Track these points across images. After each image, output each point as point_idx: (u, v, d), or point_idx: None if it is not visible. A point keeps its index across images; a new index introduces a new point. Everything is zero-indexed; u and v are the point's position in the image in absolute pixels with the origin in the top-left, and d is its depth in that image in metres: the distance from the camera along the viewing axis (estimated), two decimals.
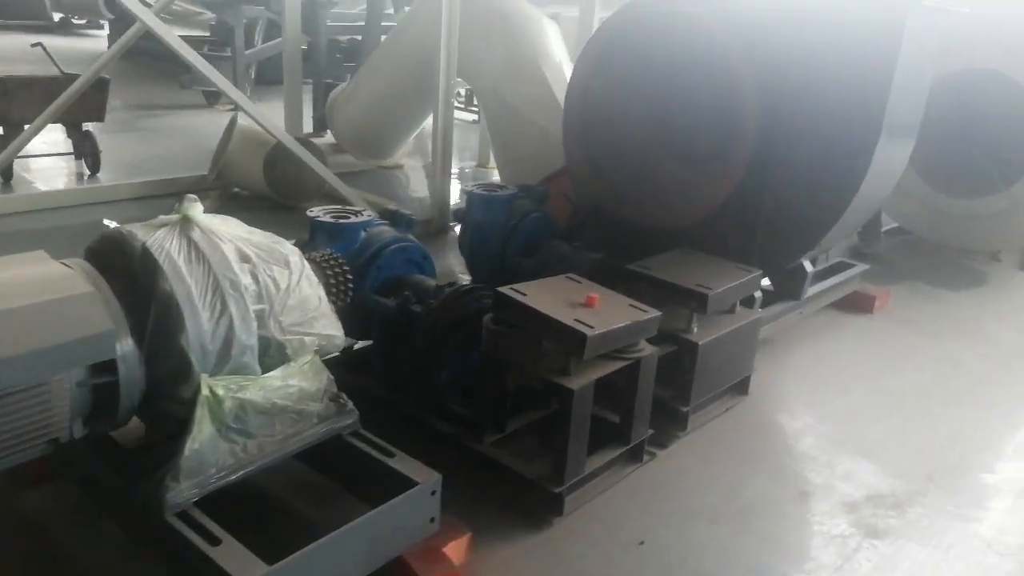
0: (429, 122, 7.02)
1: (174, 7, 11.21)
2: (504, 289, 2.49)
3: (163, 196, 5.44)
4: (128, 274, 1.88)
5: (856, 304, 4.36)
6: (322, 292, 2.27)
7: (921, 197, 5.43)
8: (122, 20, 12.64)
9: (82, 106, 5.38)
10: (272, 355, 2.09)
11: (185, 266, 1.88)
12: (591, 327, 2.30)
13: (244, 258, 2.03)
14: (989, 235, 5.35)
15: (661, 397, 2.92)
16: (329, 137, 7.01)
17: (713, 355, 2.93)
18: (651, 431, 2.75)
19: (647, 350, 2.55)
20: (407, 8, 9.16)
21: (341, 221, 2.87)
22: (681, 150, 3.50)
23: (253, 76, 9.56)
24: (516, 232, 3.52)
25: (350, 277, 2.50)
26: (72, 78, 5.23)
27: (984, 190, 5.27)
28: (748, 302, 3.23)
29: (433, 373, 2.69)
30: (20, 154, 5.42)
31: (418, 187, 6.54)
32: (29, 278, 1.70)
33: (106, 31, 14.45)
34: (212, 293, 1.89)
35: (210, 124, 7.87)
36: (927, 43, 3.14)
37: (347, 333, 2.60)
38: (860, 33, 2.98)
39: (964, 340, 4.11)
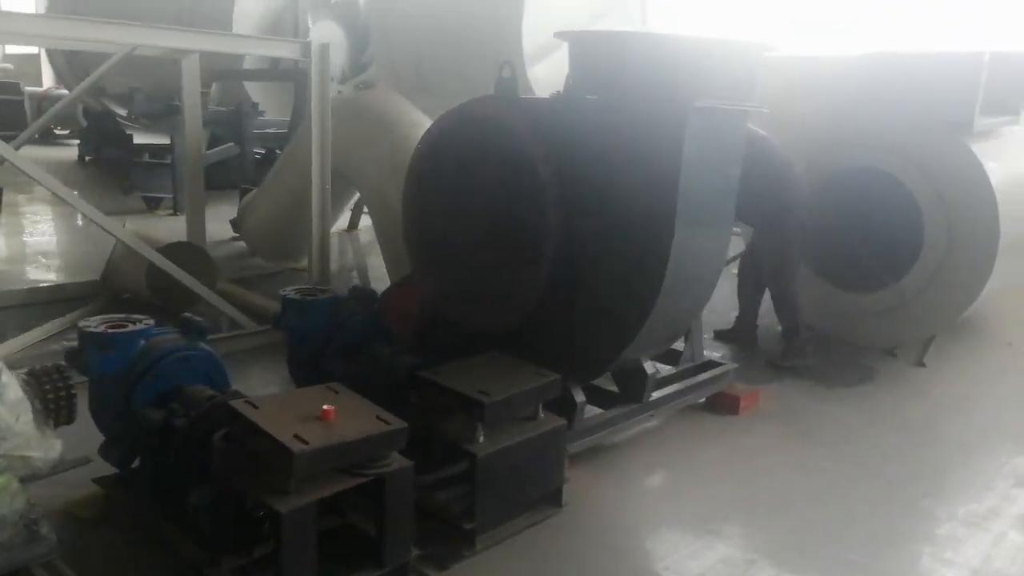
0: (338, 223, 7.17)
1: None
2: (237, 403, 2.39)
3: (51, 302, 5.42)
4: None
5: (722, 405, 4.22)
6: (27, 410, 2.17)
7: (818, 294, 5.36)
8: (93, 130, 13.13)
9: None
10: None
11: None
12: (306, 443, 2.18)
13: None
14: (882, 331, 5.25)
15: (450, 512, 2.78)
16: None
17: (501, 466, 2.79)
18: (419, 552, 2.58)
19: (396, 464, 2.42)
20: None
21: (111, 331, 2.80)
22: (496, 252, 3.46)
23: None
24: (335, 337, 3.44)
25: (73, 392, 2.41)
26: None
27: (875, 286, 5.21)
28: (568, 408, 3.13)
29: (188, 490, 2.56)
30: None
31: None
32: None
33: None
34: None
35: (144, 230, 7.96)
36: (722, 140, 3.14)
37: (121, 451, 2.50)
38: (646, 138, 2.99)
39: (824, 442, 3.94)
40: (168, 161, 9.17)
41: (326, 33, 10.23)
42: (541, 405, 3.01)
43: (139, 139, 12.30)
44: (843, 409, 4.37)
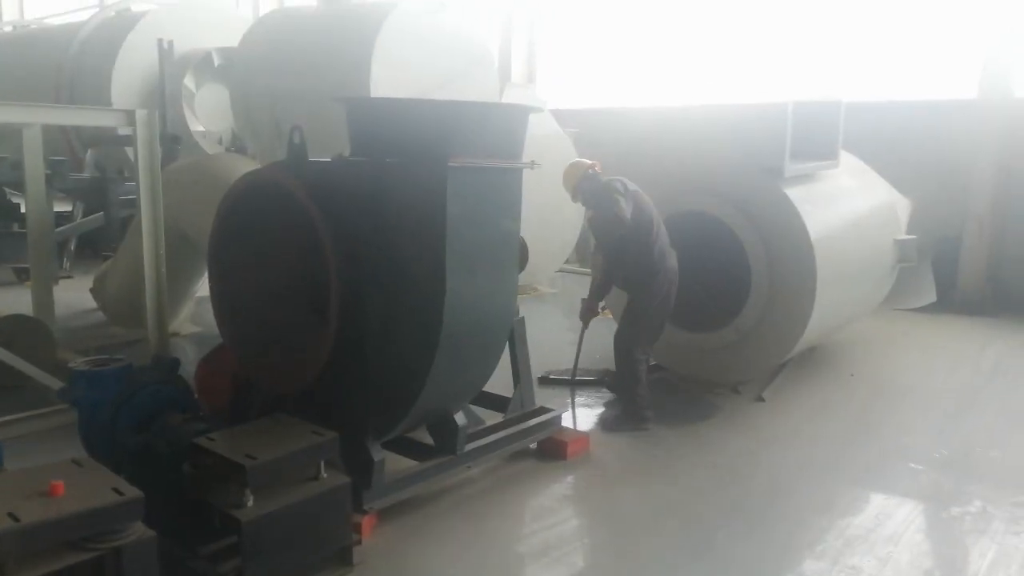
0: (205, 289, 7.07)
1: None
2: None
3: None
4: None
5: (550, 451, 4.28)
6: None
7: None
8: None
9: None
10: None
11: None
12: (17, 520, 2.13)
13: None
14: (723, 368, 5.43)
15: None
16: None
17: (272, 530, 2.76)
18: None
19: (135, 536, 2.37)
20: None
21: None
22: (288, 313, 3.49)
23: (73, 249, 9.54)
24: (126, 407, 3.37)
25: None
26: None
27: (714, 325, 5.40)
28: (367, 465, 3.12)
29: None
30: None
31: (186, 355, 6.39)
32: None
33: None
34: None
35: (8, 302, 7.69)
36: (492, 195, 3.28)
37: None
38: (414, 197, 3.10)
39: (640, 484, 4.03)
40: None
41: (215, 95, 10.24)
42: (324, 464, 3.01)
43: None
44: (671, 450, 4.48)
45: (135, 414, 3.40)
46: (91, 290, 6.87)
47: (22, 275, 8.97)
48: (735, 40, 10.20)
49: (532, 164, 3.36)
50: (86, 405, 3.41)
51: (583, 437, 4.40)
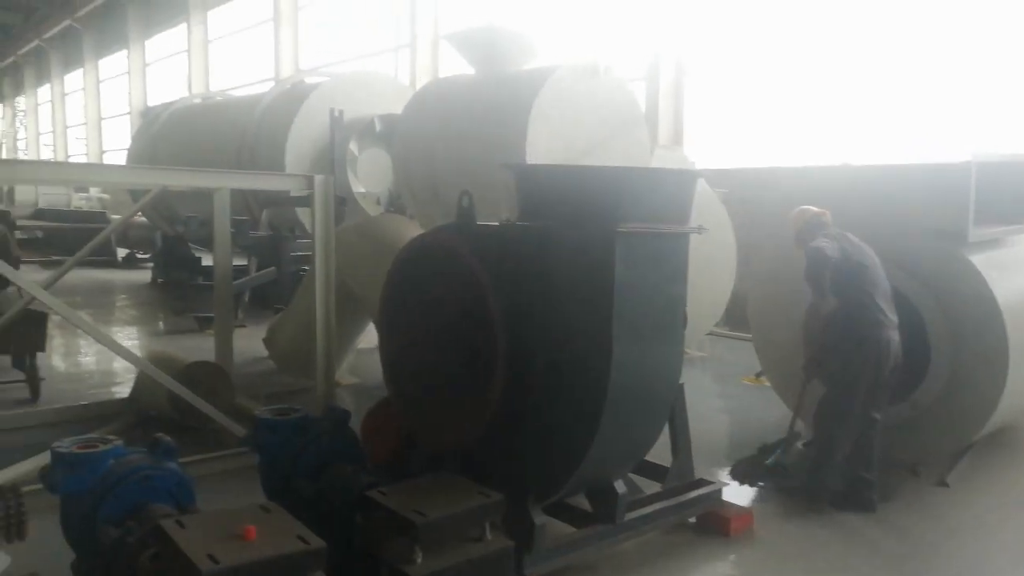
0: (364, 342, 7.40)
1: None
2: (166, 521, 2.50)
3: (85, 420, 5.75)
4: None
5: (711, 526, 4.08)
6: None
7: None
8: (164, 254, 14.11)
9: (22, 339, 5.91)
10: None
11: None
12: (216, 562, 2.26)
13: None
14: (900, 446, 5.00)
15: None
16: None
17: None
18: None
19: None
20: None
21: (79, 451, 2.99)
22: (453, 373, 3.56)
23: (247, 300, 10.32)
24: (302, 456, 3.55)
25: (24, 511, 2.57)
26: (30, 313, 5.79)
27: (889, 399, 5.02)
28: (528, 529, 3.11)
29: None
30: None
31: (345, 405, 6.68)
32: None
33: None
34: None
35: (191, 348, 8.40)
36: (659, 260, 3.24)
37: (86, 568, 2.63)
38: (582, 262, 3.12)
39: (810, 570, 3.75)
40: None
41: (375, 159, 10.93)
42: (489, 526, 3.02)
43: (208, 262, 13.21)
44: (845, 535, 4.15)
45: (310, 464, 3.58)
46: (264, 340, 7.37)
47: (203, 323, 9.79)
48: (895, 94, 9.74)
49: (699, 229, 3.31)
50: (268, 452, 3.62)
51: (746, 513, 4.18)
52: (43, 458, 4.79)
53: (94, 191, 26.14)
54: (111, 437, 3.17)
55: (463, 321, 3.50)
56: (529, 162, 6.20)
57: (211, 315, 9.67)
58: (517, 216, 3.47)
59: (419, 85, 13.16)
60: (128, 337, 9.25)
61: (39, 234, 18.00)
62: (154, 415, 5.89)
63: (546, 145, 6.29)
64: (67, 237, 19.03)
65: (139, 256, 18.63)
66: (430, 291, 3.70)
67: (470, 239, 3.42)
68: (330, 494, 3.34)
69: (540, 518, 3.35)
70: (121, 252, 18.40)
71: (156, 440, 3.21)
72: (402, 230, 5.76)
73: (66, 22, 30.18)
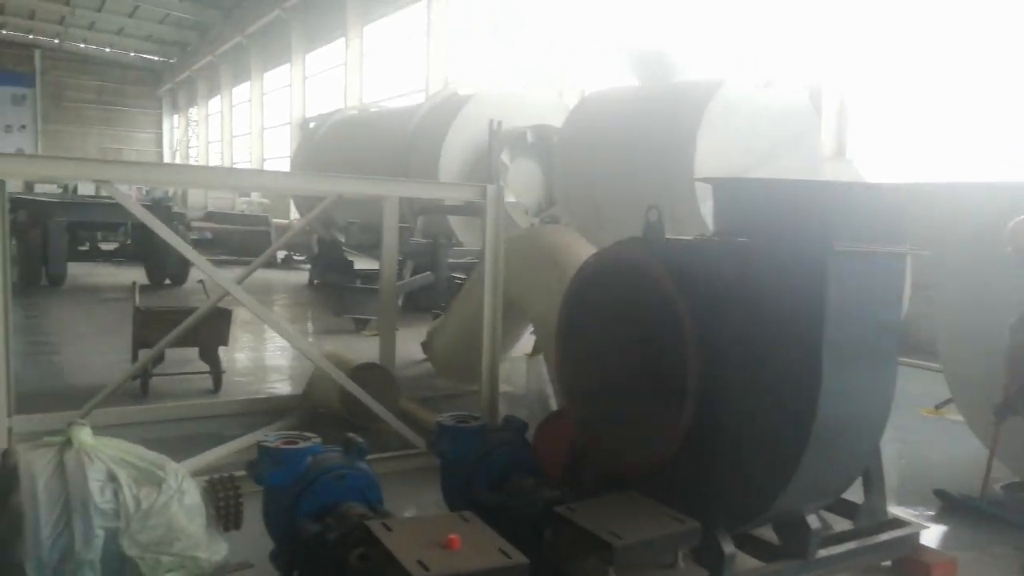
0: (516, 349, 7.45)
1: None
2: (373, 524, 2.56)
3: (261, 413, 6.11)
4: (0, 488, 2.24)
5: (909, 571, 3.76)
6: (201, 514, 2.49)
7: None
8: (321, 257, 14.88)
9: (209, 333, 6.35)
10: (128, 571, 2.30)
11: (43, 483, 2.21)
12: (427, 569, 2.29)
13: (111, 478, 2.33)
14: None
15: None
16: None
17: None
18: None
19: None
20: None
21: (283, 447, 3.14)
22: (639, 392, 3.46)
23: (400, 304, 10.66)
24: (482, 465, 3.57)
25: (241, 502, 2.71)
26: (216, 310, 6.23)
27: None
28: (716, 558, 2.99)
29: None
30: (161, 372, 6.47)
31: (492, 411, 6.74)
32: None
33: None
34: (59, 509, 2.19)
35: (348, 348, 8.78)
36: (874, 283, 3.00)
37: (286, 559, 2.77)
38: (789, 283, 2.94)
39: None
40: (377, 286, 10.13)
41: (524, 170, 11.06)
42: (682, 553, 2.91)
43: (360, 265, 13.83)
44: None
45: (490, 473, 3.60)
46: (422, 344, 7.57)
47: (359, 325, 10.22)
48: None
49: (916, 250, 3.06)
50: (448, 459, 3.67)
51: (950, 562, 3.82)
52: (230, 448, 5.17)
53: (255, 196, 28.12)
54: (310, 435, 3.30)
55: (651, 340, 3.41)
56: (697, 175, 6.03)
57: (367, 317, 10.12)
58: (714, 231, 3.34)
59: (565, 97, 13.21)
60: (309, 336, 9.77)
61: (208, 235, 19.45)
62: (324, 412, 6.18)
63: (714, 159, 6.09)
64: (233, 238, 20.55)
65: (296, 258, 19.79)
66: (614, 307, 3.63)
67: (660, 254, 3.32)
68: (512, 505, 3.34)
69: (729, 548, 3.19)
70: (280, 254, 19.63)
71: (349, 440, 3.32)
72: (567, 241, 5.74)
73: (236, 39, 32.63)
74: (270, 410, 6.19)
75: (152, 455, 2.51)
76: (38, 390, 6.46)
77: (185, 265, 14.05)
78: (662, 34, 11.93)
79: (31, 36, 41.27)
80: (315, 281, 15.03)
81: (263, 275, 17.24)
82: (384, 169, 11.72)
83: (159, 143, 47.86)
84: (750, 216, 3.19)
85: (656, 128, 6.57)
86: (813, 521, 3.42)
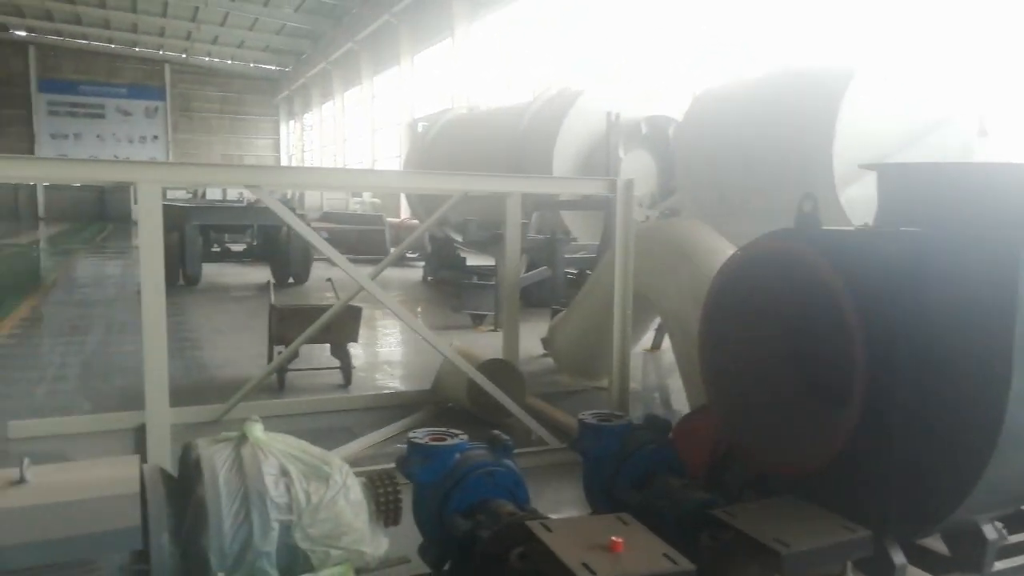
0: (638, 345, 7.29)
1: None
2: (534, 524, 2.53)
3: (391, 407, 6.27)
4: (183, 480, 2.35)
5: None
6: (364, 509, 2.53)
7: None
8: (435, 254, 15.17)
9: (340, 330, 6.56)
10: (299, 563, 2.37)
11: (223, 477, 2.30)
12: (594, 573, 2.24)
13: (284, 473, 2.41)
14: None
15: None
16: None
17: None
18: None
19: None
20: None
21: (433, 443, 3.17)
22: (796, 391, 3.28)
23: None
24: (626, 464, 3.49)
25: (400, 497, 2.74)
26: (347, 308, 6.46)
27: None
28: (885, 570, 2.79)
29: None
30: (297, 367, 6.74)
31: (622, 408, 6.64)
32: (104, 478, 2.24)
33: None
34: (239, 502, 2.27)
35: (470, 344, 8.89)
36: None
37: (436, 553, 2.81)
38: (972, 277, 2.70)
39: None
40: (492, 282, 10.22)
41: (638, 162, 10.86)
42: (850, 564, 2.74)
43: (471, 262, 14.00)
44: None
45: (634, 472, 3.52)
46: (543, 340, 7.56)
47: (476, 320, 10.34)
48: None
49: None
50: (591, 457, 3.62)
51: None
52: (362, 443, 5.31)
53: (367, 195, 28.98)
54: (456, 431, 3.32)
55: (808, 337, 3.23)
56: (836, 162, 5.73)
57: (484, 313, 10.22)
58: (877, 221, 3.12)
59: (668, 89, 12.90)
60: (411, 330, 9.96)
61: (325, 235, 20.20)
62: (451, 406, 6.26)
63: (855, 145, 5.76)
64: (349, 237, 21.28)
65: (409, 255, 20.25)
66: (764, 302, 3.47)
67: (820, 246, 3.14)
68: (659, 506, 3.24)
69: (900, 558, 2.98)
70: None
71: (495, 437, 3.31)
72: (699, 235, 5.56)
73: (348, 45, 33.75)
74: (399, 405, 6.33)
75: (317, 450, 2.59)
76: (187, 384, 6.88)
77: (307, 264, 14.68)
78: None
79: (161, 52, 44.22)
80: (428, 278, 15.32)
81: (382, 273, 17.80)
82: (497, 166, 11.80)
83: (276, 148, 50.25)
84: (922, 204, 2.96)
85: (786, 116, 6.27)
86: (990, 531, 3.16)
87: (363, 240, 20.82)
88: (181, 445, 2.54)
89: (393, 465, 3.06)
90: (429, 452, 3.15)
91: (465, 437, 3.25)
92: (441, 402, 6.34)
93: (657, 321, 7.54)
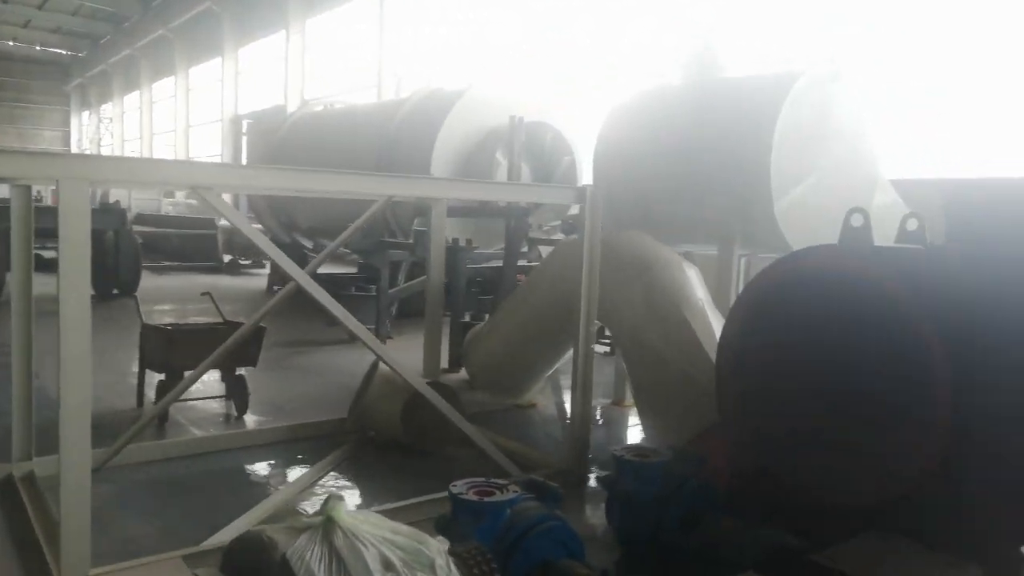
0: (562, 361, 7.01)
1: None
2: None
3: (303, 440, 5.49)
4: None
5: None
6: None
7: None
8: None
9: (239, 353, 5.65)
10: None
11: None
12: None
13: (387, 565, 1.83)
14: None
15: None
16: (463, 374, 7.05)
17: None
18: None
19: None
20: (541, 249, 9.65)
21: (485, 499, 2.65)
22: (859, 416, 3.12)
23: (394, 312, 10.05)
24: (671, 504, 3.16)
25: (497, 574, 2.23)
26: (234, 327, 5.56)
27: None
28: None
29: None
30: (184, 398, 5.72)
31: (552, 428, 6.32)
32: None
33: (267, 270, 15.94)
34: None
35: (352, 362, 8.13)
36: None
37: None
38: None
39: None
40: (373, 293, 9.51)
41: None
42: None
43: (323, 270, 13.03)
44: None
45: (681, 514, 3.19)
46: (457, 354, 7.05)
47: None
48: None
49: None
50: (628, 497, 3.24)
51: None
52: (295, 487, 4.54)
53: (180, 196, 26.46)
54: (500, 481, 2.82)
55: (866, 362, 3.06)
56: (774, 179, 5.78)
57: (368, 327, 9.45)
58: (949, 238, 3.02)
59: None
60: (290, 352, 9.01)
61: (138, 239, 18.18)
62: (373, 435, 5.59)
63: (790, 160, 5.84)
64: (173, 242, 19.24)
65: (241, 262, 18.63)
66: (806, 320, 3.27)
67: (884, 266, 2.99)
68: (722, 550, 2.94)
69: None
70: (225, 257, 18.49)
71: (542, 485, 2.86)
72: (644, 245, 5.36)
73: (159, 31, 30.80)
74: (311, 437, 5.57)
75: (406, 529, 2.00)
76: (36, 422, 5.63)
77: (137, 272, 12.96)
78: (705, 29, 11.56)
79: None
80: (275, 287, 14.12)
81: (213, 281, 16.16)
82: (365, 167, 11.10)
83: (66, 141, 44.87)
84: (994, 222, 2.89)
85: (719, 130, 6.22)
86: None
87: (188, 246, 18.91)
88: (239, 537, 1.85)
89: (476, 543, 2.46)
90: (480, 509, 2.64)
91: (515, 489, 2.76)
92: (361, 430, 5.65)
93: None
